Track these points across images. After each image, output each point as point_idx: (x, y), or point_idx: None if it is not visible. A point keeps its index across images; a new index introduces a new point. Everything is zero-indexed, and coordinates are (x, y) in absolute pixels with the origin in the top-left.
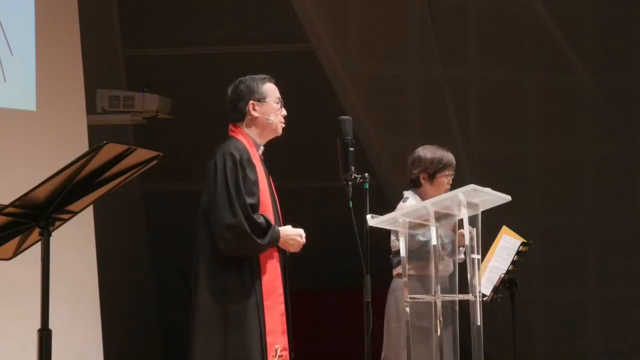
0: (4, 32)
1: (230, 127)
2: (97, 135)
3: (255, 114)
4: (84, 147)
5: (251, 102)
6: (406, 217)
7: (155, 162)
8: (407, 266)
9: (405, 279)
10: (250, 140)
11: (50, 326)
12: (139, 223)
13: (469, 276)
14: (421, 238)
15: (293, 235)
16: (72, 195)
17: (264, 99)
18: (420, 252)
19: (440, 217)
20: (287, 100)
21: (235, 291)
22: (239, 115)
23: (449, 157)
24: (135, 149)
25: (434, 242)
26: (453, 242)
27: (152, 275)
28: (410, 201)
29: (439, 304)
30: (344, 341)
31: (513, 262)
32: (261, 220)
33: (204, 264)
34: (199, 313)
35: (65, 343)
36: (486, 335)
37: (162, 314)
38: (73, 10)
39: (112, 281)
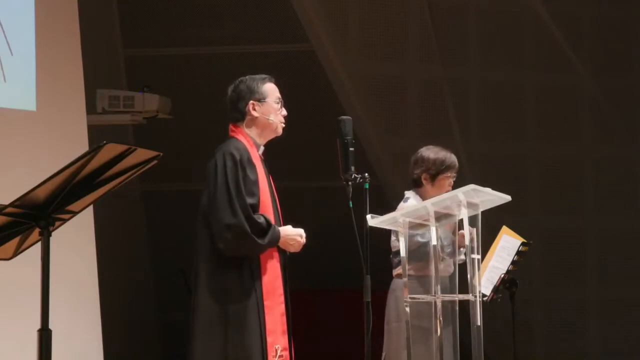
0: (4, 32)
1: (231, 127)
2: (97, 135)
3: (255, 114)
4: (84, 147)
5: (251, 102)
6: (406, 217)
7: (155, 162)
8: (407, 266)
9: (405, 279)
10: (251, 140)
11: (50, 326)
12: (139, 223)
13: (469, 276)
14: (420, 239)
15: (293, 235)
16: (72, 195)
17: (264, 99)
18: (418, 253)
19: (440, 217)
20: (287, 100)
21: (235, 291)
22: (239, 115)
23: (452, 159)
24: (135, 149)
25: (434, 242)
26: (453, 244)
27: (152, 275)
28: (411, 201)
29: (439, 304)
30: (344, 341)
31: (513, 262)
32: (261, 220)
33: (204, 264)
34: (199, 313)
35: (65, 343)
36: (486, 335)
37: (162, 314)
38: (73, 10)
39: (112, 281)
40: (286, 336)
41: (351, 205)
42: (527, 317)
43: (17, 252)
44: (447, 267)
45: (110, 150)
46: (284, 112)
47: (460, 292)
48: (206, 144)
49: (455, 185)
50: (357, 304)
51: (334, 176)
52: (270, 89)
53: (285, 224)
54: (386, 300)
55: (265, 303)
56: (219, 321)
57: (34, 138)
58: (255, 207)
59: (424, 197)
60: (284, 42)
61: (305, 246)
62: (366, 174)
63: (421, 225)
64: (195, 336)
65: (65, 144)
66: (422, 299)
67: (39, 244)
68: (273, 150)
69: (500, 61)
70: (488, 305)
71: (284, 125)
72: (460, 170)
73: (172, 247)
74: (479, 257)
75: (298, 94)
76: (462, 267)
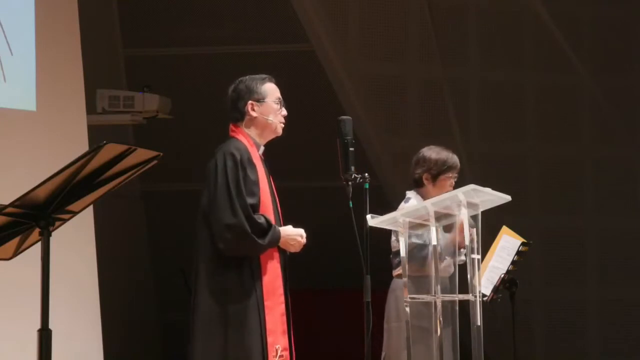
0: (4, 32)
1: (231, 127)
2: (97, 135)
3: (254, 114)
4: (84, 147)
5: (250, 102)
6: (406, 217)
7: (155, 162)
8: (407, 266)
9: (405, 279)
10: (251, 140)
11: (50, 326)
12: (139, 223)
13: (469, 276)
14: (415, 240)
15: (294, 235)
16: (72, 195)
17: (263, 99)
18: (413, 255)
19: (440, 217)
20: (287, 100)
21: (235, 291)
22: (239, 115)
23: (453, 159)
24: (135, 149)
25: (434, 242)
26: (448, 248)
27: (152, 275)
28: (412, 202)
29: (439, 304)
30: (344, 341)
31: (513, 262)
32: (262, 220)
33: (204, 264)
34: (199, 313)
35: (65, 343)
36: (486, 335)
37: (162, 314)
38: (73, 10)
39: (112, 281)
40: (286, 336)
41: (351, 205)
42: (527, 317)
43: (17, 252)
44: (447, 268)
45: (110, 150)
46: (284, 112)
47: (460, 292)
48: (206, 144)
49: (456, 185)
50: (357, 304)
51: (334, 176)
52: (270, 89)
53: (285, 224)
54: (386, 300)
55: (266, 303)
56: (219, 321)
57: (34, 138)
58: (255, 207)
59: (425, 197)
60: (284, 42)
61: (305, 246)
62: (366, 174)
63: (421, 226)
64: (196, 336)
65: (65, 144)
66: (422, 299)
67: (39, 244)
68: (273, 150)
69: (500, 61)
70: (488, 305)
71: (283, 126)
72: (460, 170)
73: (172, 247)
74: (479, 257)
75: (298, 94)
76: (462, 267)
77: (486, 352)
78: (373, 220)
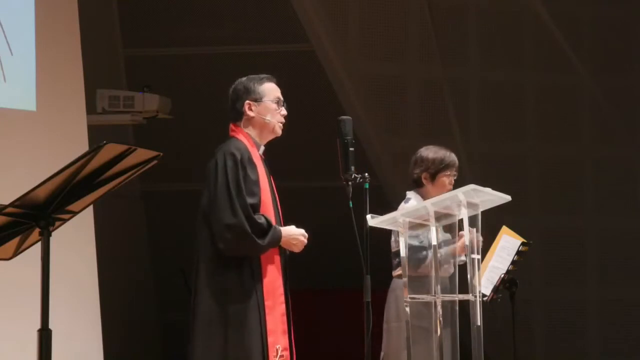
0: (4, 32)
1: (231, 126)
2: (97, 135)
3: (251, 113)
4: (84, 147)
5: (247, 102)
6: (406, 217)
7: (155, 162)
8: (407, 266)
9: (405, 279)
10: (251, 140)
11: (50, 326)
12: (139, 223)
13: (469, 276)
14: (411, 242)
15: (296, 235)
16: (72, 195)
17: (261, 98)
18: (408, 257)
19: (440, 217)
20: (287, 100)
21: (235, 291)
22: (237, 115)
23: (451, 157)
24: (135, 149)
25: (434, 242)
26: (448, 258)
27: (152, 275)
28: (412, 202)
29: (439, 304)
30: (344, 341)
31: (513, 262)
32: (262, 220)
33: (205, 264)
34: (199, 313)
35: (65, 343)
36: (486, 335)
37: (162, 314)
38: (73, 10)
39: (112, 281)
40: (287, 336)
41: (351, 205)
42: (527, 317)
43: (17, 252)
44: (447, 268)
45: (110, 150)
46: (284, 111)
47: (460, 292)
48: (206, 144)
49: (455, 185)
50: (357, 304)
51: (334, 176)
52: (268, 89)
53: (285, 224)
54: (386, 300)
55: (266, 303)
56: (220, 321)
57: (34, 138)
58: (255, 207)
59: (425, 197)
60: (284, 42)
61: (305, 246)
62: (366, 174)
63: (421, 226)
64: (196, 336)
65: (65, 144)
66: (422, 299)
67: (39, 244)
68: (273, 150)
69: (500, 61)
70: (488, 305)
71: (282, 126)
72: (460, 170)
73: (172, 247)
74: (479, 257)
75: (298, 94)
76: (462, 267)
77: (486, 352)
78: (373, 220)
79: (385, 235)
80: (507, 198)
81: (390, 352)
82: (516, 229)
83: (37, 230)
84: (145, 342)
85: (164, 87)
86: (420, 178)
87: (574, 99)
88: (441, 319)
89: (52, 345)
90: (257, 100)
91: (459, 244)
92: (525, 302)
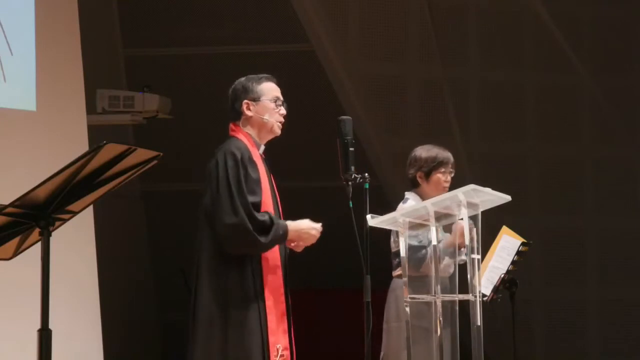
0: (4, 32)
1: (231, 126)
2: (97, 135)
3: (249, 113)
4: (84, 147)
5: (245, 101)
6: (406, 217)
7: (155, 162)
8: (407, 266)
9: (405, 279)
10: (251, 140)
11: (50, 326)
12: (139, 223)
13: (469, 276)
14: (411, 242)
15: (307, 229)
16: (72, 195)
17: (259, 98)
18: (407, 257)
19: (440, 217)
20: (287, 100)
21: (236, 291)
22: (236, 114)
23: (443, 154)
24: (135, 149)
25: (434, 242)
26: (446, 250)
27: (152, 275)
28: (410, 202)
29: (439, 304)
30: (344, 341)
31: (513, 262)
32: (264, 217)
33: (205, 263)
34: (199, 313)
35: (65, 343)
36: (486, 335)
37: (162, 314)
38: (73, 10)
39: (112, 281)
40: (287, 336)
41: (351, 205)
42: (527, 317)
43: (17, 252)
44: (447, 268)
45: (110, 150)
46: (283, 111)
47: (460, 292)
48: (206, 144)
49: (456, 185)
50: (357, 304)
51: (334, 176)
52: (267, 88)
53: None
54: (386, 300)
55: (267, 303)
56: (220, 321)
57: (34, 138)
58: (257, 205)
59: (423, 197)
60: (284, 42)
61: (305, 246)
62: (366, 174)
63: (420, 226)
64: (196, 336)
65: (65, 144)
66: (422, 298)
67: (39, 244)
68: (273, 150)
69: (500, 61)
70: (488, 305)
71: (281, 125)
72: (460, 170)
73: (172, 247)
74: (479, 257)
75: (298, 94)
76: (462, 267)
77: (486, 352)
78: (373, 220)
79: (385, 235)
80: (507, 198)
81: (390, 352)
82: (516, 229)
83: (37, 230)
84: (145, 342)
85: (164, 87)
86: (416, 178)
87: (574, 99)
88: (441, 319)
89: (52, 345)
90: (255, 99)
91: (457, 229)
92: (525, 302)
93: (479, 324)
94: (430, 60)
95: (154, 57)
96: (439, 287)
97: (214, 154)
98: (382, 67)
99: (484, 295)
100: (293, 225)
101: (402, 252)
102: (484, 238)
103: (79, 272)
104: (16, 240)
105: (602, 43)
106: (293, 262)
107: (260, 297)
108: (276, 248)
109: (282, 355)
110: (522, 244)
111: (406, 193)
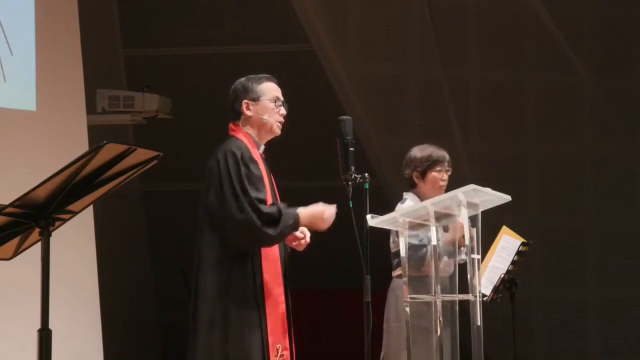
0: (4, 32)
1: (231, 126)
2: (97, 135)
3: (249, 113)
4: (84, 147)
5: (245, 101)
6: (406, 217)
7: (155, 162)
8: (407, 266)
9: (405, 279)
10: (251, 139)
11: (50, 326)
12: (139, 223)
13: (469, 276)
14: (411, 241)
15: (319, 215)
16: (72, 195)
17: (259, 98)
18: (408, 256)
19: (440, 217)
20: (287, 100)
21: (236, 291)
22: (236, 114)
23: (438, 153)
24: (135, 149)
25: (434, 242)
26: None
27: (152, 275)
28: (408, 202)
29: (439, 304)
30: (344, 341)
31: (513, 262)
32: (272, 209)
33: (205, 263)
34: (199, 313)
35: (65, 343)
36: (486, 335)
37: (162, 314)
38: (73, 10)
39: (112, 281)
40: (287, 336)
41: (351, 205)
42: (527, 317)
43: (17, 252)
44: (446, 268)
45: (110, 150)
46: (283, 111)
47: (460, 292)
48: (206, 144)
49: (456, 185)
50: (357, 304)
51: (334, 176)
52: (266, 88)
53: None
54: (386, 300)
55: (267, 303)
56: (220, 321)
57: (34, 138)
58: (263, 200)
59: (421, 197)
60: (284, 42)
61: (306, 246)
62: (366, 174)
63: (419, 226)
64: (196, 336)
65: (65, 144)
66: (422, 298)
67: (39, 244)
68: (273, 150)
69: (500, 61)
70: (488, 305)
71: (280, 125)
72: (460, 170)
73: (172, 247)
74: (479, 257)
75: (298, 94)
76: (462, 267)
77: (486, 352)
78: (373, 220)
79: (385, 235)
80: (507, 198)
81: (390, 352)
82: (516, 229)
83: (37, 230)
84: (145, 342)
85: (164, 87)
86: (412, 178)
87: (574, 99)
88: (441, 319)
89: (52, 345)
90: (255, 99)
91: (452, 232)
92: (525, 302)
93: (479, 324)
94: (430, 60)
95: (154, 57)
96: (439, 287)
97: (214, 153)
98: (382, 67)
99: (484, 295)
100: (305, 212)
101: (402, 252)
102: (484, 238)
103: (79, 272)
104: (16, 240)
105: (602, 43)
106: (293, 262)
107: (260, 297)
108: (276, 248)
109: (282, 355)
110: (522, 244)
111: (404, 193)
